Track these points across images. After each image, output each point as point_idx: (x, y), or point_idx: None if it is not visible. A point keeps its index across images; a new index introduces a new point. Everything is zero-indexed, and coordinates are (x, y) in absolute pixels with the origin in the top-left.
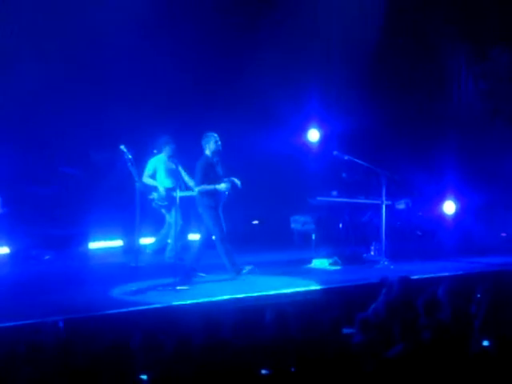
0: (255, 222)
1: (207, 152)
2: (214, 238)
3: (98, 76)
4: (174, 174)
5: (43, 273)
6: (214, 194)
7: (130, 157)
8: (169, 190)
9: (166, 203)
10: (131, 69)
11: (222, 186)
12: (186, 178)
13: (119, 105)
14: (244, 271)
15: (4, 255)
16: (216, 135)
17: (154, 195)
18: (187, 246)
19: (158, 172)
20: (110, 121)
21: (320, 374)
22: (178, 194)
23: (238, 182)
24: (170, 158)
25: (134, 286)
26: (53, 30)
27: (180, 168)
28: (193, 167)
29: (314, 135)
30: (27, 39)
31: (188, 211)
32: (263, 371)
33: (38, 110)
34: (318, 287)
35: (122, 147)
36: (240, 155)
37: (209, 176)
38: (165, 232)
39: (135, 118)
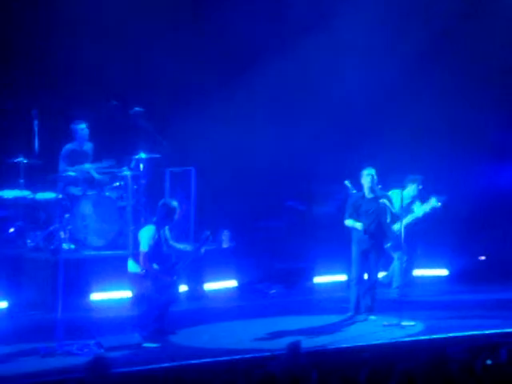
0: (482, 257)
1: (364, 189)
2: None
3: (329, 113)
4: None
5: (269, 307)
6: (357, 230)
7: (354, 192)
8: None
9: (389, 244)
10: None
11: (358, 225)
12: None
13: (345, 142)
14: (360, 317)
15: (232, 288)
16: (368, 172)
17: None
18: (412, 281)
19: None
20: (342, 158)
21: None
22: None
23: (360, 226)
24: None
25: (359, 321)
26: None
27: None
28: None
29: None
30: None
31: (414, 246)
32: None
33: (267, 144)
34: None
35: (347, 182)
36: (465, 191)
37: (357, 212)
38: (394, 267)
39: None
